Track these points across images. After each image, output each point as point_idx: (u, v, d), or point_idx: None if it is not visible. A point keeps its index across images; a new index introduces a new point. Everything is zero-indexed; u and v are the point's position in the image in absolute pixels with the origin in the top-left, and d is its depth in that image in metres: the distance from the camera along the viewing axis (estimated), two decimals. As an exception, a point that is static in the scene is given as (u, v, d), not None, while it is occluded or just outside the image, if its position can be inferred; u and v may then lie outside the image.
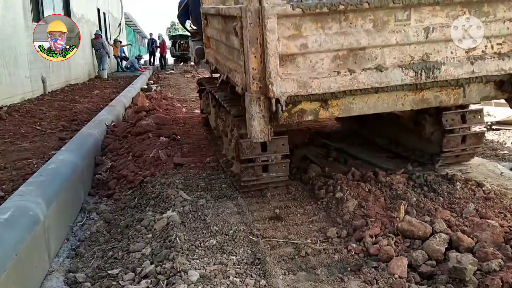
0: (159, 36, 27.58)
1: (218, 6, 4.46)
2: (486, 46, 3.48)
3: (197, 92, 6.64)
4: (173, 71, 22.25)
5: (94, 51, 17.70)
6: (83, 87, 13.68)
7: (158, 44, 27.02)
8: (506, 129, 5.89)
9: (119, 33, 24.81)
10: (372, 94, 3.40)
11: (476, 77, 3.49)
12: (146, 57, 30.80)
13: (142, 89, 12.84)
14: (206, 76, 6.47)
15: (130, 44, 28.80)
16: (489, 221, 2.74)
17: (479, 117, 4.10)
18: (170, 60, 28.30)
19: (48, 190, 3.29)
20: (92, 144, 5.12)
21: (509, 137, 5.60)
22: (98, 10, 20.25)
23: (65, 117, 8.06)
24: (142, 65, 23.86)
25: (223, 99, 4.36)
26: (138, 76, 17.04)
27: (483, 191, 3.54)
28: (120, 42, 22.78)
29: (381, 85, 3.29)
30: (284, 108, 3.14)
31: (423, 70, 3.35)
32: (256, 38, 3.06)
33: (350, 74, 3.23)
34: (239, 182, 3.84)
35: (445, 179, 3.80)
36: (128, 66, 20.97)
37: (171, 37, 29.52)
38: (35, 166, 4.68)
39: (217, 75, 5.02)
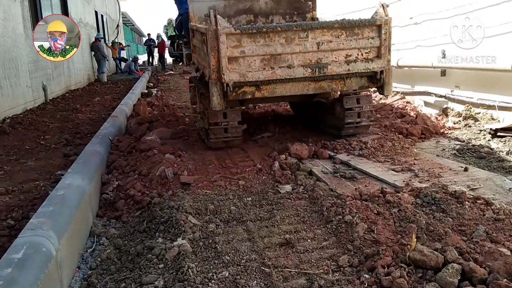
0: (158, 36, 27.45)
1: (197, 25, 6.43)
2: (358, 54, 5.32)
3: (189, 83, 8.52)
4: (172, 72, 22.22)
5: (92, 54, 17.66)
6: (84, 93, 13.65)
7: (156, 44, 26.95)
8: (512, 136, 5.77)
9: (117, 34, 24.65)
10: (287, 83, 5.25)
11: (352, 73, 5.33)
12: (144, 57, 30.72)
13: (142, 95, 12.85)
14: (194, 75, 8.02)
15: (128, 45, 28.63)
16: (501, 249, 2.75)
17: (369, 100, 6.06)
18: (169, 60, 28.26)
19: (58, 221, 3.29)
20: (97, 163, 5.11)
21: (515, 145, 5.53)
22: (96, 12, 20.13)
23: (68, 129, 8.06)
24: (140, 66, 23.74)
25: (201, 88, 6.41)
26: (137, 79, 16.99)
27: (492, 211, 3.55)
28: (119, 43, 22.69)
29: (291, 77, 5.18)
30: (231, 89, 5.04)
31: (317, 68, 5.20)
32: (214, 46, 4.97)
33: (271, 70, 5.14)
34: (209, 141, 5.89)
35: (453, 197, 3.81)
36: (127, 70, 20.89)
37: (170, 37, 29.45)
38: (43, 188, 4.69)
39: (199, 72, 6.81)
